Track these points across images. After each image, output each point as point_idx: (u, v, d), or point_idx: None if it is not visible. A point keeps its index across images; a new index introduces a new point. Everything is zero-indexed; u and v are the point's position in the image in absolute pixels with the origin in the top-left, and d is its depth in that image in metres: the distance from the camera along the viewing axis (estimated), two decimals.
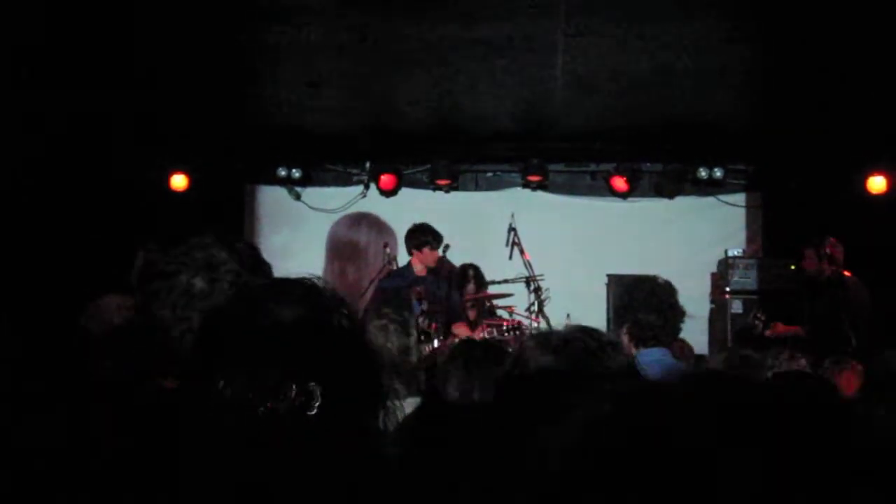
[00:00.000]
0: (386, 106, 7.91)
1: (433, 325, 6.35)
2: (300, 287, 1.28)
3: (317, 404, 1.15)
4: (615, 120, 8.03)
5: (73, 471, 1.46)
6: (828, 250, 6.70)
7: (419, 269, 6.94)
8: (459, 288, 7.25)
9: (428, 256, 6.89)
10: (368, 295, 7.59)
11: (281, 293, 1.27)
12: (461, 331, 6.72)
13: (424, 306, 6.56)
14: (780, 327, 6.70)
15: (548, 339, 1.62)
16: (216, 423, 1.15)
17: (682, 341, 5.57)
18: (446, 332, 6.56)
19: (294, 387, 1.15)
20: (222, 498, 1.14)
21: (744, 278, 8.00)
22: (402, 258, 8.15)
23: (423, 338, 5.84)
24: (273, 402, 1.14)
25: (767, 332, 6.65)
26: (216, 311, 1.32)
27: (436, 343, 6.23)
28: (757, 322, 6.74)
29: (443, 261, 6.94)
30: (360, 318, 1.36)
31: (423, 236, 6.96)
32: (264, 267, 1.94)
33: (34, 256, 6.90)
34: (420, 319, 6.29)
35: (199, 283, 1.80)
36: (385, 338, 3.35)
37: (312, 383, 1.15)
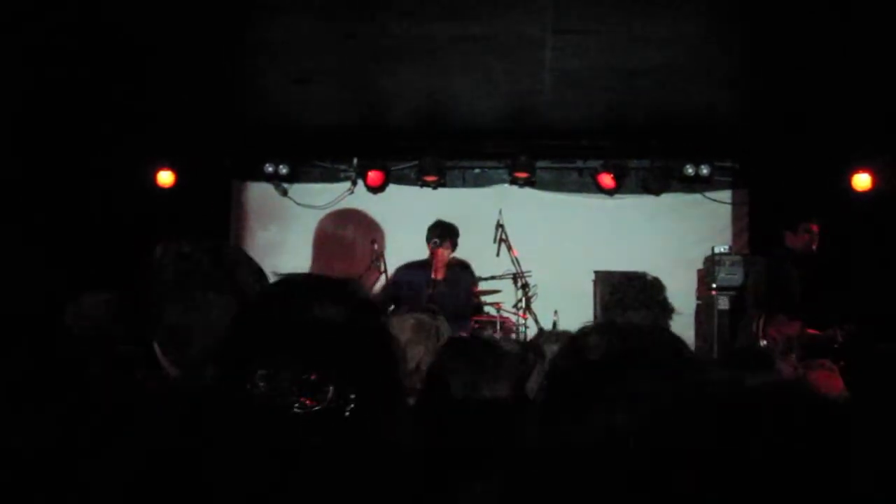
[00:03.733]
0: (373, 102, 7.90)
1: None
2: (339, 287, 1.27)
3: (351, 406, 1.14)
4: (602, 117, 8.05)
5: (95, 469, 1.45)
6: (814, 228, 6.73)
7: (436, 266, 6.82)
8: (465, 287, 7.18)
9: (437, 254, 6.83)
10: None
11: (321, 291, 1.26)
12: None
13: (434, 307, 6.52)
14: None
15: (617, 331, 1.56)
16: (249, 420, 1.15)
17: None
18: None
19: (332, 388, 1.14)
20: (253, 496, 1.14)
21: (730, 275, 8.02)
22: (390, 254, 8.15)
23: None
24: (311, 400, 1.13)
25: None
26: (254, 303, 1.30)
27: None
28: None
29: (435, 255, 6.83)
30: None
31: (431, 233, 6.89)
32: (252, 265, 1.93)
33: (20, 253, 6.86)
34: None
35: (205, 261, 1.80)
36: (425, 341, 3.25)
37: (349, 385, 1.14)
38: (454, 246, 6.89)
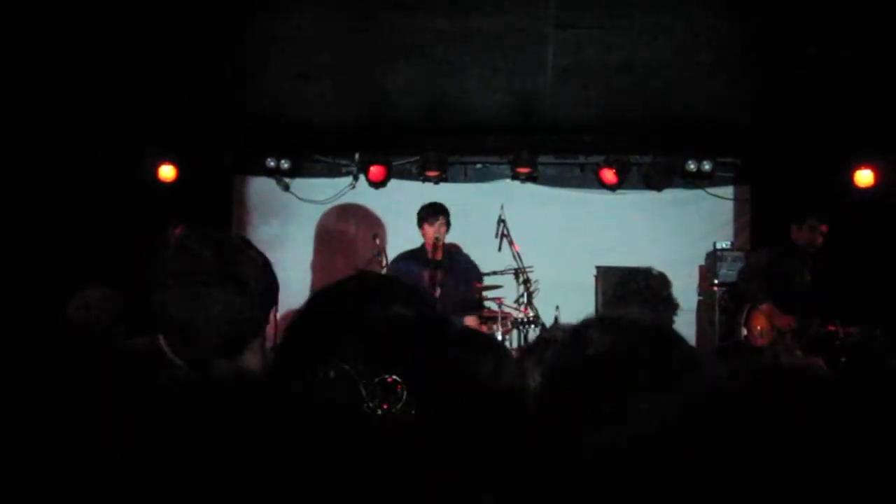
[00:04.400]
0: (376, 97, 7.90)
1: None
2: (407, 287, 1.26)
3: (417, 409, 1.12)
4: (605, 112, 8.04)
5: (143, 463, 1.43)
6: (822, 228, 6.74)
7: (432, 250, 6.78)
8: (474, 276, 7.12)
9: (426, 233, 6.81)
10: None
11: (392, 291, 1.24)
12: (471, 323, 6.60)
13: (437, 293, 6.48)
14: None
15: (616, 324, 1.56)
16: (309, 415, 1.13)
17: None
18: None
19: (406, 391, 1.12)
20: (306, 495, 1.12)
21: (732, 271, 8.01)
22: (391, 249, 8.14)
23: None
24: (385, 402, 1.11)
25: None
26: (323, 296, 1.27)
27: None
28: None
29: (437, 243, 6.79)
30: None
31: (421, 213, 6.88)
32: (257, 257, 1.93)
33: (21, 249, 6.86)
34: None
35: (207, 253, 1.79)
36: None
37: (419, 389, 1.12)
38: (448, 224, 6.87)
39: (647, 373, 1.38)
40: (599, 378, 1.40)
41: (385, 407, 1.11)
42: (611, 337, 1.48)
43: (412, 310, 1.22)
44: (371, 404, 1.11)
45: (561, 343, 1.62)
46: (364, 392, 1.11)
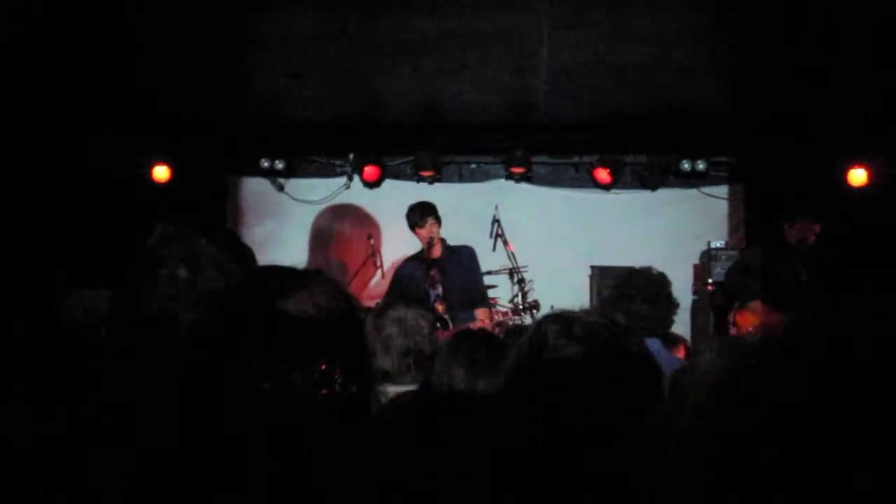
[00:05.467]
0: (369, 97, 7.89)
1: (440, 309, 6.25)
2: (320, 277, 1.28)
3: (353, 389, 1.14)
4: (599, 112, 8.05)
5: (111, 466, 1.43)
6: (814, 227, 6.75)
7: (428, 250, 6.76)
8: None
9: (419, 235, 6.80)
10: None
11: (305, 283, 1.25)
12: (483, 316, 6.58)
13: (439, 291, 6.48)
14: None
15: (570, 327, 1.59)
16: (268, 410, 1.13)
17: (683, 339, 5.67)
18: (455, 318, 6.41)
19: (339, 375, 1.14)
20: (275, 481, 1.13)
21: (726, 270, 8.02)
22: (386, 249, 8.15)
23: (438, 325, 5.72)
24: (325, 389, 1.13)
25: None
26: (234, 296, 1.28)
27: (451, 329, 6.08)
28: None
29: (432, 242, 6.77)
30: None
31: (408, 218, 6.85)
32: (247, 253, 1.93)
33: (15, 249, 6.84)
34: (436, 305, 6.23)
35: (182, 273, 1.78)
36: (400, 329, 3.24)
37: (349, 371, 1.14)
38: (438, 221, 6.83)
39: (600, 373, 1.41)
40: (555, 378, 1.43)
41: (325, 392, 1.13)
42: (567, 341, 1.52)
43: (330, 299, 1.23)
44: (315, 390, 1.13)
45: (520, 345, 1.65)
46: (301, 382, 1.12)
